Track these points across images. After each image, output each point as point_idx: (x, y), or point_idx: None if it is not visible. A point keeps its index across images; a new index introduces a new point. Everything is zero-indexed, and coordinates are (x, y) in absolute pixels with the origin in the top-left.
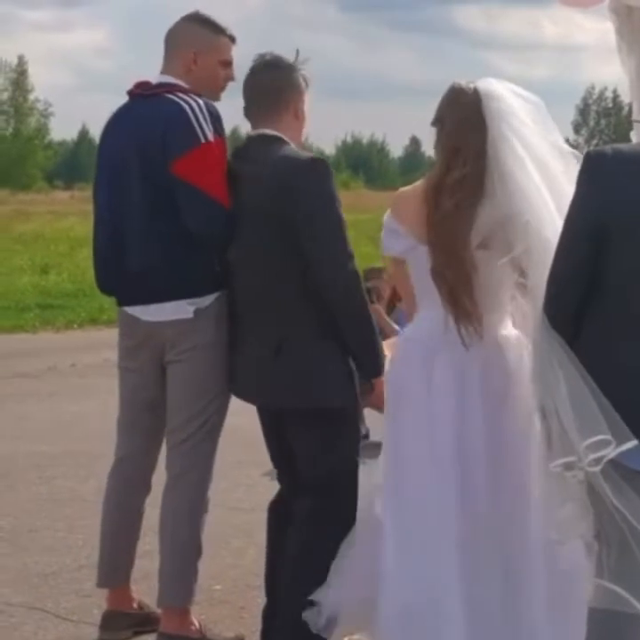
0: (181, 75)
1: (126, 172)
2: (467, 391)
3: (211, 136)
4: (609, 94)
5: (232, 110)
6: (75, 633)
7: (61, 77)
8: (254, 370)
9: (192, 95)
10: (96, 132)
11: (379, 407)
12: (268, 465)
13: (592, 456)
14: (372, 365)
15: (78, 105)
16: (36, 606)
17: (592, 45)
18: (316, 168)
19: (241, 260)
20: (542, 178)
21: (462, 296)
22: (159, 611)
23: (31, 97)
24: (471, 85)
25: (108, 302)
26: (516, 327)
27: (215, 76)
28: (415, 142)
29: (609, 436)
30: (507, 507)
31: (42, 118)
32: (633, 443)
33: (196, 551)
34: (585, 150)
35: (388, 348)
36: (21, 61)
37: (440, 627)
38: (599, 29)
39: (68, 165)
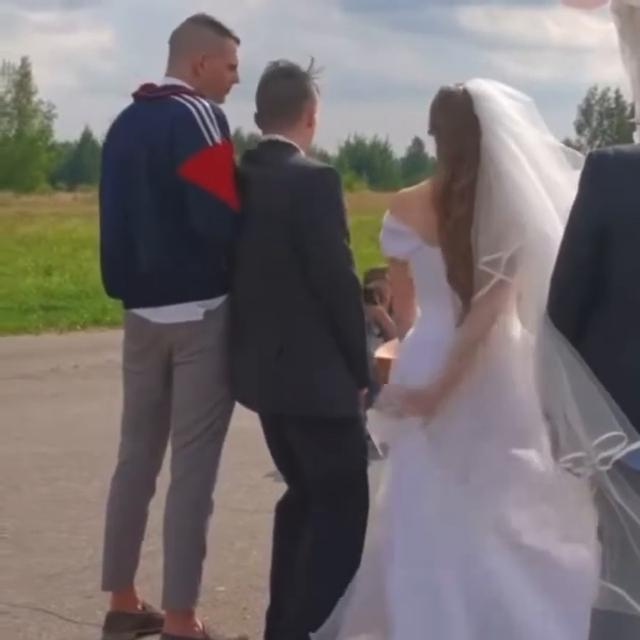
0: (188, 77)
1: (133, 173)
2: (479, 391)
3: (218, 138)
4: (612, 95)
5: (235, 112)
6: (78, 634)
7: (65, 79)
8: (256, 374)
9: (198, 97)
10: (99, 134)
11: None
12: (271, 466)
13: (603, 454)
14: (362, 376)
15: (81, 107)
16: (40, 607)
17: (596, 46)
18: (325, 176)
19: (245, 261)
20: (537, 175)
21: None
22: (162, 612)
23: (35, 99)
24: (460, 87)
25: (111, 304)
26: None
27: (221, 79)
28: (418, 143)
29: (622, 433)
30: (520, 503)
31: (45, 120)
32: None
33: (201, 552)
34: (587, 151)
35: (389, 349)
36: (25, 63)
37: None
38: (603, 30)
39: (71, 167)
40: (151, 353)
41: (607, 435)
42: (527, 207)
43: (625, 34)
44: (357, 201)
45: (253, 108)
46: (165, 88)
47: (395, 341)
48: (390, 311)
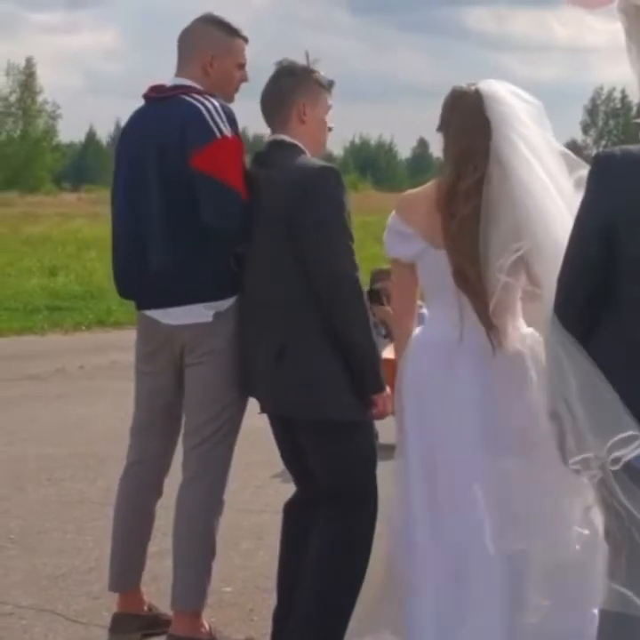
0: (198, 77)
1: (144, 174)
2: (490, 388)
3: (227, 132)
4: (617, 95)
5: (241, 111)
6: (85, 635)
7: (69, 79)
8: (260, 374)
9: (207, 96)
10: (103, 134)
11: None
12: (278, 466)
13: (615, 454)
14: (371, 381)
15: (86, 107)
16: (46, 608)
17: (602, 46)
18: (326, 176)
19: (252, 263)
20: (548, 177)
21: (482, 295)
22: (168, 613)
23: (39, 99)
24: (472, 87)
25: (116, 304)
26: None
27: (231, 78)
28: (423, 144)
29: (636, 432)
30: (536, 501)
31: (50, 120)
32: None
33: (210, 554)
34: (593, 151)
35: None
36: (29, 63)
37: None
38: (609, 30)
39: (75, 167)
40: (162, 354)
41: (622, 435)
42: (536, 210)
43: (632, 34)
44: (362, 201)
45: (259, 107)
46: (175, 88)
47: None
48: None
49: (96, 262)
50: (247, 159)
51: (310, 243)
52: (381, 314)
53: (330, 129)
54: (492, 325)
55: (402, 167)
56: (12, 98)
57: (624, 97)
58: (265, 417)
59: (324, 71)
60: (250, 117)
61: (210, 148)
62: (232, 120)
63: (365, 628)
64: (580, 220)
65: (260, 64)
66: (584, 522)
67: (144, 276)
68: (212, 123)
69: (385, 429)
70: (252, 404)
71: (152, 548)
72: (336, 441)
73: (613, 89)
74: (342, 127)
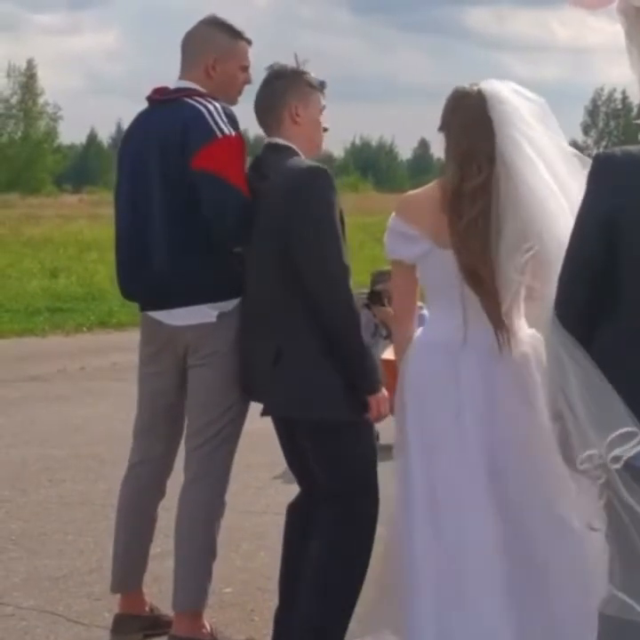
0: (201, 80)
1: (147, 176)
2: (494, 388)
3: (228, 131)
4: (618, 96)
5: (241, 113)
6: (86, 636)
7: (70, 81)
8: (259, 376)
9: (209, 99)
10: (105, 136)
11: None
12: (279, 468)
13: (614, 452)
14: (363, 383)
15: (87, 108)
16: (47, 610)
17: (603, 47)
18: (316, 176)
19: (250, 264)
20: (552, 178)
21: (493, 293)
22: (170, 614)
23: (40, 100)
24: (475, 88)
25: (118, 306)
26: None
27: (234, 81)
28: (424, 145)
29: (635, 429)
30: (540, 505)
31: (51, 122)
32: None
33: (211, 555)
34: (594, 151)
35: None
36: (30, 65)
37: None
38: (610, 31)
39: (76, 169)
40: (165, 355)
41: (620, 431)
42: (542, 211)
43: (632, 35)
44: (363, 202)
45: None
46: (178, 91)
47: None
48: None
49: (97, 264)
50: (247, 162)
51: (300, 243)
52: (382, 315)
53: (325, 129)
54: (502, 325)
55: (403, 168)
56: (13, 99)
57: (625, 98)
58: (266, 419)
59: (319, 71)
60: (251, 119)
61: (211, 147)
62: (233, 121)
63: (366, 629)
64: (580, 219)
65: (260, 65)
66: (585, 523)
67: (147, 277)
68: (213, 123)
69: (385, 430)
70: (254, 406)
71: (154, 550)
72: (335, 441)
73: (614, 90)
74: (343, 128)
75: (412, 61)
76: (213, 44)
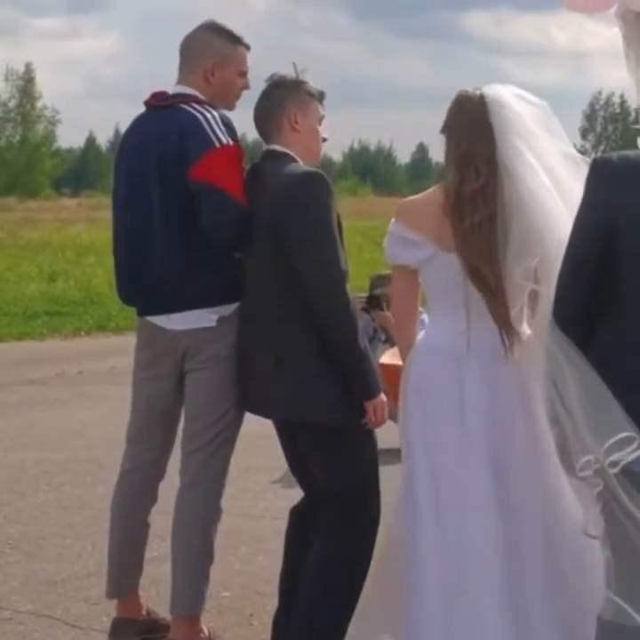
0: (199, 85)
1: (145, 182)
2: (499, 395)
3: (225, 140)
4: (616, 100)
5: (239, 117)
6: None
7: (69, 84)
8: (258, 381)
9: (207, 107)
10: (103, 140)
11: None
12: (277, 472)
13: (615, 455)
14: (361, 388)
15: (86, 112)
16: (45, 614)
17: (601, 51)
18: (313, 181)
19: (247, 269)
20: (552, 183)
21: (500, 296)
22: (167, 618)
23: (39, 104)
24: (477, 92)
25: (116, 310)
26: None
27: (233, 86)
28: (422, 149)
29: (633, 434)
30: (541, 508)
31: (49, 125)
32: None
33: (208, 558)
34: (592, 156)
35: (395, 354)
36: (29, 69)
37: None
38: (608, 35)
39: (75, 173)
40: (164, 360)
41: (619, 436)
42: (542, 214)
43: (630, 40)
44: (362, 206)
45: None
46: (176, 96)
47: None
48: None
49: (95, 268)
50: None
51: (298, 247)
52: (381, 319)
53: (324, 139)
54: (510, 327)
55: (401, 172)
56: (12, 103)
57: (623, 102)
58: (264, 422)
59: (317, 75)
60: (249, 123)
61: (208, 157)
62: (231, 130)
63: (364, 632)
64: (578, 222)
65: (259, 69)
66: (586, 526)
67: (146, 281)
68: (210, 132)
69: (383, 434)
70: None
71: (151, 553)
72: (335, 445)
73: (612, 94)
74: (341, 132)
75: (411, 66)
76: (212, 49)
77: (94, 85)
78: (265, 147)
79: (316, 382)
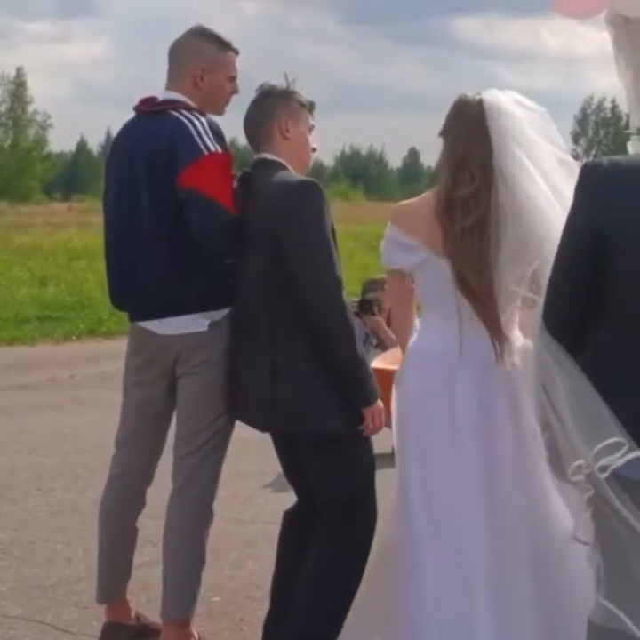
0: (189, 91)
1: (135, 188)
2: (490, 401)
3: (213, 148)
4: (608, 104)
5: (229, 122)
6: None
7: (60, 89)
8: (252, 389)
9: (196, 114)
10: (94, 144)
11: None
12: (268, 476)
13: (605, 459)
14: (358, 395)
15: (77, 117)
16: (36, 618)
17: (593, 56)
18: (308, 190)
19: (240, 276)
20: (550, 188)
21: (489, 303)
22: (158, 622)
23: (30, 109)
24: (477, 97)
25: (107, 314)
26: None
27: (222, 92)
28: (414, 153)
29: (622, 439)
30: (532, 514)
31: (40, 130)
32: (637, 453)
33: (200, 562)
34: (584, 160)
35: (385, 359)
36: (20, 73)
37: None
38: (600, 39)
39: (66, 177)
40: (155, 365)
41: (608, 441)
42: (541, 220)
43: (620, 44)
44: (354, 211)
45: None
46: (165, 102)
47: (390, 351)
48: (389, 322)
49: (86, 272)
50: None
51: (293, 256)
52: (372, 324)
53: (314, 149)
54: (501, 334)
55: (393, 177)
56: (3, 108)
57: (614, 106)
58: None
59: (309, 80)
60: (239, 128)
61: (197, 165)
62: (220, 137)
63: (356, 637)
64: (568, 229)
65: (249, 74)
66: (575, 532)
67: (137, 287)
68: (199, 140)
69: (375, 438)
70: None
71: (141, 558)
72: (332, 453)
73: (604, 99)
74: (333, 136)
75: (402, 71)
76: (201, 54)
77: (85, 90)
78: (256, 155)
79: (312, 390)
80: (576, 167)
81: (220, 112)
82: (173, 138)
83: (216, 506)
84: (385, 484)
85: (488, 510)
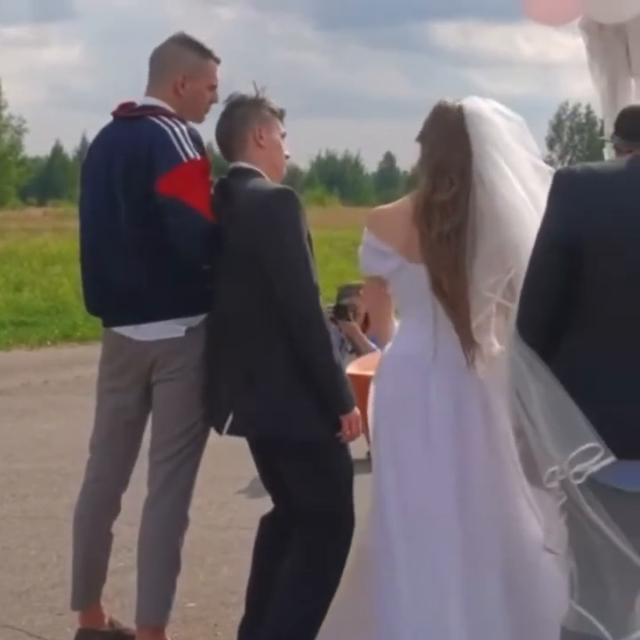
0: (169, 97)
1: (111, 192)
2: (464, 406)
3: (192, 154)
4: (582, 110)
5: (209, 127)
6: None
7: (35, 93)
8: (228, 397)
9: (176, 120)
10: (70, 149)
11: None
12: (243, 482)
13: (580, 466)
14: (335, 402)
15: (52, 121)
16: (9, 624)
17: (568, 62)
18: (284, 198)
19: (216, 284)
20: (527, 195)
21: (462, 308)
22: (132, 628)
23: (5, 113)
24: (456, 104)
25: (82, 319)
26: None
27: (202, 100)
28: (390, 158)
29: (597, 444)
30: (505, 519)
31: (15, 134)
32: (612, 458)
33: (175, 569)
34: (558, 166)
35: (360, 364)
36: None
37: None
38: (574, 46)
39: (41, 182)
40: (130, 371)
41: (583, 447)
42: (519, 226)
43: (594, 51)
44: (329, 216)
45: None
46: (144, 108)
47: (365, 357)
48: (364, 327)
49: (62, 277)
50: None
51: (271, 264)
52: (348, 329)
53: (286, 157)
54: (471, 340)
55: (368, 182)
56: None
57: (589, 112)
58: None
59: (286, 85)
60: (213, 134)
61: (175, 172)
62: (199, 144)
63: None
64: (541, 234)
65: (227, 80)
66: (546, 541)
67: (113, 292)
68: (178, 146)
69: (351, 443)
70: None
71: (116, 564)
72: (309, 461)
73: (579, 104)
74: (308, 142)
75: (378, 76)
76: (183, 62)
77: (61, 94)
78: (231, 164)
79: (288, 398)
80: (548, 174)
81: (199, 120)
82: (153, 143)
83: (191, 512)
84: (360, 489)
85: (461, 515)
